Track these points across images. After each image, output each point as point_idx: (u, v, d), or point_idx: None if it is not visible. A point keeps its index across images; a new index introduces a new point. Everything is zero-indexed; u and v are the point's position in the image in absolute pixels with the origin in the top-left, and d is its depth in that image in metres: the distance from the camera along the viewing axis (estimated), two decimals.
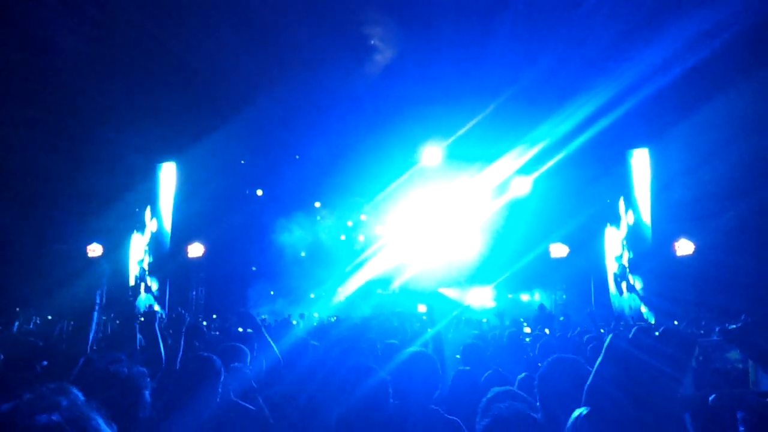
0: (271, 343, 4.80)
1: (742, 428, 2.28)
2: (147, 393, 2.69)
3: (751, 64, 11.82)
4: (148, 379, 2.75)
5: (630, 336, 1.56)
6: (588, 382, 1.58)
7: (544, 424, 2.28)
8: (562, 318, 10.92)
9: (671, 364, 1.47)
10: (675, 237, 15.66)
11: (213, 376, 3.41)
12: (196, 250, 18.64)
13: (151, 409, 2.74)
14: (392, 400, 3.18)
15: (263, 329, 5.11)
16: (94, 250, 17.76)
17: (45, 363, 3.82)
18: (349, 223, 22.29)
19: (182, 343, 4.52)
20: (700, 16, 11.25)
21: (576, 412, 1.56)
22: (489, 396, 3.07)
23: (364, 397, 3.12)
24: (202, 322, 12.57)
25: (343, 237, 22.15)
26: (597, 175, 16.72)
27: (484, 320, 10.69)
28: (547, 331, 9.12)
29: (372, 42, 16.33)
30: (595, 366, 1.60)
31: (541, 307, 9.67)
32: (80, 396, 1.37)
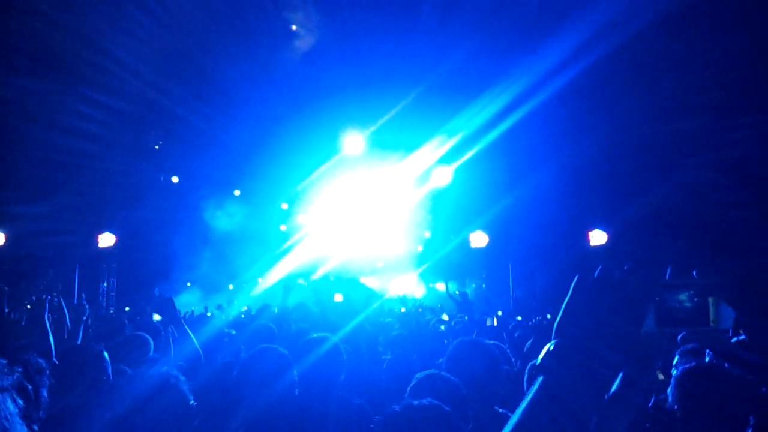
0: (191, 334, 4.59)
1: (708, 362, 2.36)
2: (44, 390, 2.46)
3: (660, 49, 12.33)
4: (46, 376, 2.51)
5: (596, 273, 1.57)
6: (557, 319, 1.60)
7: (454, 416, 2.26)
8: (498, 316, 11.10)
9: (635, 300, 1.49)
10: (589, 227, 16.24)
11: (98, 368, 3.19)
12: (106, 239, 17.79)
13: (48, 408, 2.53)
14: (298, 390, 3.13)
15: (182, 320, 4.90)
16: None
17: None
18: (284, 206, 21.88)
19: (80, 335, 4.27)
20: (609, 7, 11.63)
21: (545, 347, 1.56)
22: (414, 383, 3.03)
23: (274, 389, 3.03)
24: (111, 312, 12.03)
25: (284, 227, 21.74)
26: (515, 163, 17.06)
27: (402, 309, 10.72)
28: (465, 317, 9.23)
29: (292, 27, 16.05)
30: (564, 302, 1.61)
31: (463, 294, 9.78)
32: None
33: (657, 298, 1.58)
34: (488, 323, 7.56)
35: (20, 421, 1.39)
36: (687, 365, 2.51)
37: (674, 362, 3.16)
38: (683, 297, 1.68)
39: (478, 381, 3.05)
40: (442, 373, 3.13)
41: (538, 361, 1.61)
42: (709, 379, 2.43)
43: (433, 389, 2.92)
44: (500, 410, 2.91)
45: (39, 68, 13.66)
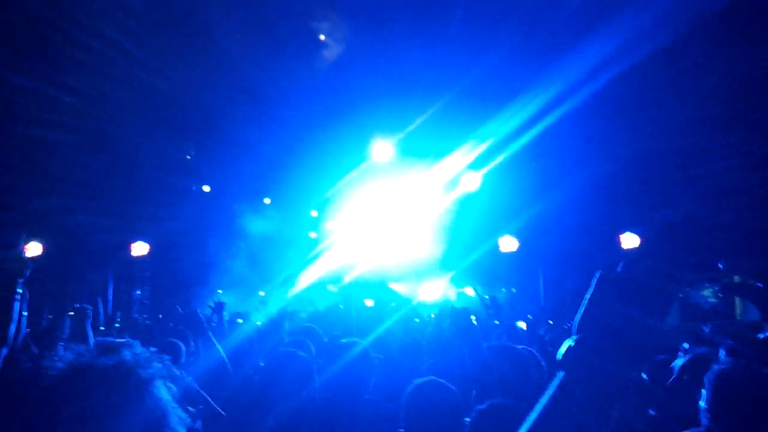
0: (217, 345, 4.65)
1: (728, 356, 2.34)
2: None
3: (696, 56, 12.17)
4: None
5: (619, 268, 1.56)
6: (579, 313, 1.60)
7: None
8: (528, 320, 11.02)
9: (659, 294, 1.49)
10: (620, 231, 16.03)
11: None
12: (140, 248, 18.10)
13: None
14: (323, 394, 3.15)
15: (209, 332, 4.95)
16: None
17: None
18: (314, 213, 22.02)
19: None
20: (644, 14, 11.51)
21: (566, 342, 1.57)
22: (410, 390, 3.04)
23: (297, 393, 3.06)
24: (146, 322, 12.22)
25: (313, 234, 21.89)
26: (545, 168, 16.92)
27: (432, 315, 10.69)
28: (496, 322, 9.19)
29: (321, 36, 16.18)
30: (586, 297, 1.61)
31: (493, 298, 9.72)
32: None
33: (681, 295, 1.58)
34: (519, 327, 7.53)
35: (175, 406, 1.42)
36: (722, 366, 2.46)
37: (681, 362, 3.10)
38: (708, 293, 1.67)
39: (509, 384, 3.04)
40: (440, 380, 3.12)
41: (559, 356, 1.61)
42: (745, 382, 2.37)
43: (429, 396, 2.93)
44: None
45: (72, 75, 13.93)
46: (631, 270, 1.59)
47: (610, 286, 1.59)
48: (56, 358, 1.39)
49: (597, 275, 1.65)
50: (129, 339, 1.44)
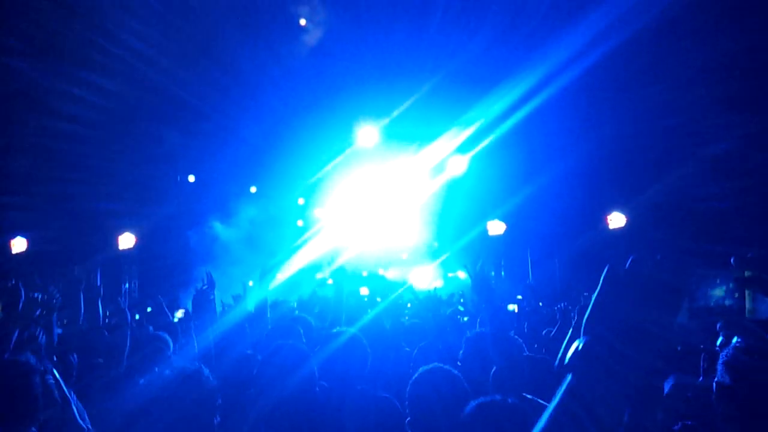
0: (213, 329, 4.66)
1: (740, 353, 2.32)
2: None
3: (683, 33, 12.18)
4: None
5: (626, 266, 1.53)
6: (587, 313, 1.56)
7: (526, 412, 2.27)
8: (518, 301, 11.05)
9: (668, 291, 1.45)
10: (607, 211, 16.10)
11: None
12: (126, 241, 17.95)
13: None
14: (321, 383, 3.14)
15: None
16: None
17: None
18: (300, 201, 21.88)
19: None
20: None
21: (575, 344, 1.53)
22: (418, 374, 3.03)
23: (292, 386, 3.03)
24: (135, 315, 12.10)
25: (300, 222, 21.76)
26: (532, 150, 16.92)
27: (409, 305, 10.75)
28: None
29: (303, 19, 16.03)
30: (593, 296, 1.58)
31: (483, 278, 9.71)
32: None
33: (692, 288, 1.54)
34: (510, 309, 7.56)
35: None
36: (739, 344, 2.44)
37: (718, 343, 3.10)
38: (718, 289, 1.64)
39: (498, 372, 3.02)
40: (445, 366, 3.12)
41: (567, 360, 1.58)
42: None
43: (435, 383, 2.93)
44: (528, 396, 2.88)
45: (53, 66, 13.70)
46: (641, 265, 1.55)
47: (620, 282, 1.55)
48: None
49: (605, 271, 1.62)
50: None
